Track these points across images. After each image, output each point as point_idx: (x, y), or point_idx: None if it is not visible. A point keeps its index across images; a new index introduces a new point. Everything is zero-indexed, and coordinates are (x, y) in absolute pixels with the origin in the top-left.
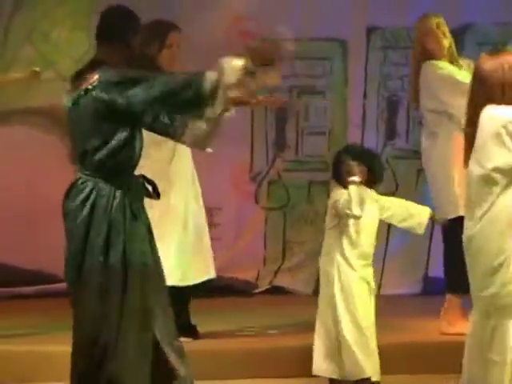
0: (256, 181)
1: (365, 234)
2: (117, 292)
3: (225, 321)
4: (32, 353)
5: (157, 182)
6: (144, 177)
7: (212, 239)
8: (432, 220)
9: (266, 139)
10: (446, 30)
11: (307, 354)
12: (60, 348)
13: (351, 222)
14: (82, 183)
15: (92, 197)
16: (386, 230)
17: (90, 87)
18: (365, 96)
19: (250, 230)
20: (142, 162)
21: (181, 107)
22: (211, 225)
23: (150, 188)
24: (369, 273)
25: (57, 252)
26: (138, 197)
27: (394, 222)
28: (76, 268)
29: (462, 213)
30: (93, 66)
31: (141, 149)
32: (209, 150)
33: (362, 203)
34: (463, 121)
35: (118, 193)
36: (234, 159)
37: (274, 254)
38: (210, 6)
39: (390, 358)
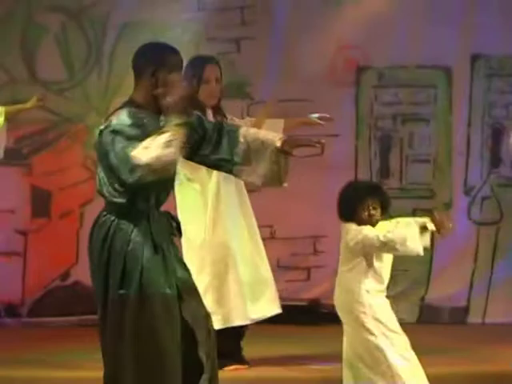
0: None
1: (386, 265)
2: (132, 324)
3: (328, 347)
4: None
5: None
6: (169, 213)
7: (315, 267)
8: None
9: (370, 167)
10: None
11: None
12: None
13: (375, 257)
14: (104, 216)
15: (111, 231)
16: (491, 257)
17: (102, 128)
18: (469, 124)
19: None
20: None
21: None
22: (315, 252)
23: (174, 225)
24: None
25: None
26: (160, 232)
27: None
28: (101, 303)
29: None
30: (123, 104)
31: (158, 191)
32: (285, 185)
33: None
34: None
35: (136, 228)
36: (338, 187)
37: None
38: (315, 34)
39: None
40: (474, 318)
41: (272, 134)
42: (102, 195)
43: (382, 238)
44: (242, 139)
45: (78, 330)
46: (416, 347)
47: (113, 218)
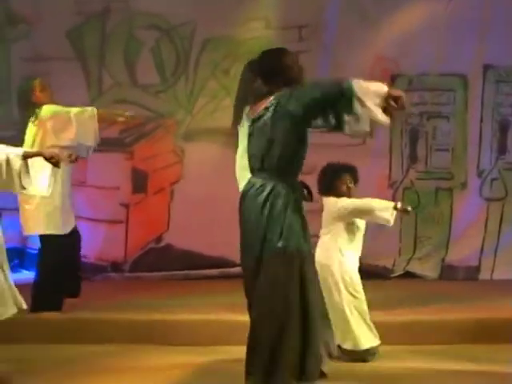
0: (393, 188)
1: (360, 231)
2: (293, 277)
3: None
4: (219, 321)
5: None
6: (301, 181)
7: None
8: (400, 211)
9: (401, 154)
10: None
11: (440, 325)
12: (240, 318)
13: (349, 224)
14: (261, 185)
15: (271, 197)
16: (498, 227)
17: (268, 105)
18: (481, 120)
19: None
20: None
21: (333, 104)
22: None
23: (305, 191)
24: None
25: (234, 243)
26: (301, 197)
27: (364, 218)
28: (255, 257)
29: None
30: (268, 95)
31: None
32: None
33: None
34: None
35: (291, 193)
36: (376, 170)
37: (408, 246)
38: (356, 48)
39: (489, 328)
40: (484, 275)
41: None
42: (258, 168)
43: (355, 205)
44: None
45: (169, 283)
46: (438, 299)
47: (271, 184)
